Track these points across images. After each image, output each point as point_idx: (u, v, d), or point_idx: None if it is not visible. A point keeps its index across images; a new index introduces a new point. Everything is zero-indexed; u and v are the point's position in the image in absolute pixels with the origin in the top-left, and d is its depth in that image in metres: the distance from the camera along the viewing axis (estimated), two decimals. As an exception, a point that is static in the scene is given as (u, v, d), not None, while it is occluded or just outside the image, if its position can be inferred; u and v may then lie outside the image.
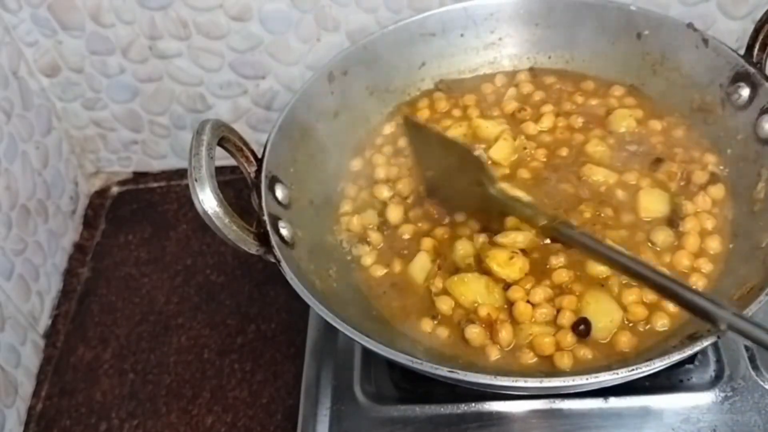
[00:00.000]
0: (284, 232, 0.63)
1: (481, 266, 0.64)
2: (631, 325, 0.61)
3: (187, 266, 0.94)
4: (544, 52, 0.80)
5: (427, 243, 0.67)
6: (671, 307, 0.61)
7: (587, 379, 0.53)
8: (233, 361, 0.85)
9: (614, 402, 0.64)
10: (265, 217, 0.61)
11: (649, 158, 0.70)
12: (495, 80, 0.80)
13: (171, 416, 0.81)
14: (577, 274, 0.63)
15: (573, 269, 0.63)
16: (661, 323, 0.60)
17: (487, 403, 0.65)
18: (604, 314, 0.61)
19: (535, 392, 0.64)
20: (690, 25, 0.72)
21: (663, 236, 0.65)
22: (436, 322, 0.63)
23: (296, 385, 0.74)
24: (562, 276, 0.63)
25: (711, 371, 0.66)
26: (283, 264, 0.59)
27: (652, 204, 0.67)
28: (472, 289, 0.63)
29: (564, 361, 0.59)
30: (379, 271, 0.67)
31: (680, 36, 0.72)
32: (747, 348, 0.67)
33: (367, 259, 0.68)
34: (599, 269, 0.63)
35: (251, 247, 0.59)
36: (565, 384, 0.54)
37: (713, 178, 0.68)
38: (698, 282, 0.62)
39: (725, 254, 0.64)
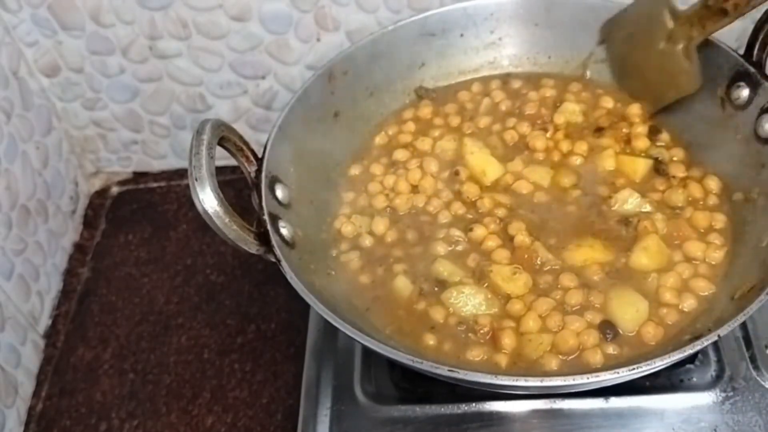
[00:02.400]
0: (284, 231, 0.63)
1: (480, 279, 0.64)
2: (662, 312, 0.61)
3: (187, 266, 0.94)
4: (544, 52, 0.80)
5: (398, 267, 0.66)
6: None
7: (587, 378, 0.53)
8: (233, 361, 0.84)
9: (615, 402, 0.64)
10: (266, 217, 0.61)
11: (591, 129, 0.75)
12: (472, 88, 0.80)
13: (171, 416, 0.81)
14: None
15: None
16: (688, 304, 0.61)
17: (488, 403, 0.65)
18: (628, 307, 0.61)
19: (535, 391, 0.64)
20: (690, 25, 0.72)
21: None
22: (435, 336, 0.62)
23: (296, 385, 0.74)
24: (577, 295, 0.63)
25: (712, 371, 0.66)
26: (284, 264, 0.59)
27: (635, 163, 0.71)
28: (471, 303, 0.63)
29: (595, 359, 0.59)
30: (365, 279, 0.67)
31: (680, 36, 0.72)
32: (748, 347, 0.67)
33: (355, 264, 0.68)
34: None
35: (251, 246, 0.59)
36: (566, 383, 0.54)
37: (653, 129, 0.73)
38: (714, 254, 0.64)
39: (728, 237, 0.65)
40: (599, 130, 0.74)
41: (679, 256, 0.65)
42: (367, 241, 0.69)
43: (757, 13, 0.67)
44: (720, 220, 0.66)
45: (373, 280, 0.66)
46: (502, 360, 0.60)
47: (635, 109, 0.75)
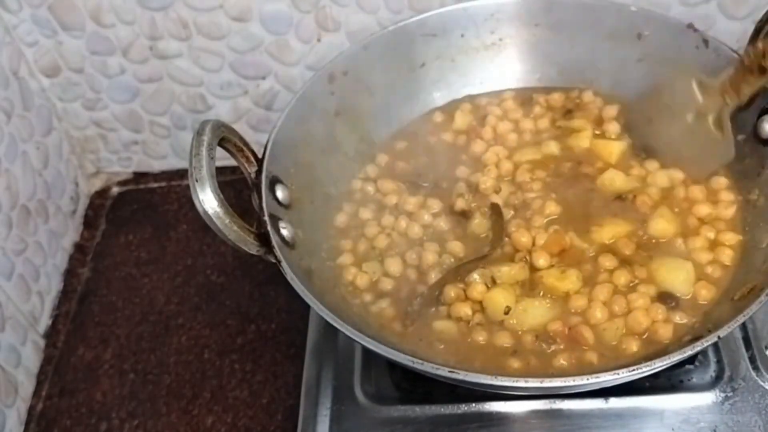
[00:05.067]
0: (285, 232, 0.63)
1: (532, 289, 0.64)
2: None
3: (187, 266, 0.94)
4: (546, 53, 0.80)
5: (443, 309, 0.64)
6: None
7: (587, 379, 0.53)
8: (233, 361, 0.85)
9: (615, 402, 0.64)
10: (266, 218, 0.61)
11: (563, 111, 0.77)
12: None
13: (171, 416, 0.81)
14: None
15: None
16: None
17: (488, 403, 0.65)
18: (677, 272, 0.62)
19: (535, 392, 0.64)
20: (690, 26, 0.72)
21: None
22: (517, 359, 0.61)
23: (296, 385, 0.74)
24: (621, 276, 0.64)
25: (711, 372, 0.66)
26: (284, 264, 0.59)
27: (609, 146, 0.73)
28: (534, 314, 0.62)
29: (667, 333, 0.60)
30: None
31: (681, 37, 0.72)
32: (747, 348, 0.67)
33: (389, 313, 0.65)
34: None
35: (252, 247, 0.59)
36: (566, 384, 0.54)
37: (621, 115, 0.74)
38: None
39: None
40: (569, 113, 0.75)
41: (693, 221, 0.66)
42: (389, 285, 0.66)
43: (757, 14, 0.66)
44: (722, 183, 0.68)
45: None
46: (593, 357, 0.60)
47: (589, 96, 0.77)
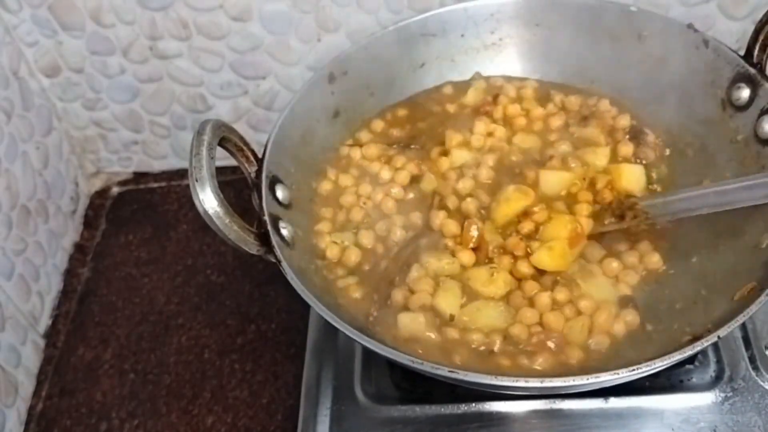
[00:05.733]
0: (285, 232, 0.63)
1: (464, 291, 0.63)
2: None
3: (187, 266, 0.94)
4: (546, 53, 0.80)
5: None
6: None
7: (587, 379, 0.53)
8: (233, 361, 0.85)
9: (615, 402, 0.64)
10: (266, 218, 0.61)
11: (578, 117, 0.75)
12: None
13: (171, 416, 0.81)
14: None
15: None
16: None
17: (488, 403, 0.65)
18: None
19: (535, 392, 0.64)
20: (690, 26, 0.72)
21: None
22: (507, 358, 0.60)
23: (296, 385, 0.74)
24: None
25: (711, 372, 0.66)
26: (284, 264, 0.59)
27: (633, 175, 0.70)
28: (489, 315, 0.61)
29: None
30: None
31: (681, 37, 0.72)
32: (747, 348, 0.67)
33: (355, 293, 0.64)
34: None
35: (252, 247, 0.59)
36: (566, 384, 0.54)
37: (633, 131, 0.73)
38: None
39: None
40: (584, 119, 0.74)
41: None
42: (364, 264, 0.66)
43: (757, 14, 0.66)
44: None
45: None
46: (572, 357, 0.59)
47: (606, 105, 0.75)
